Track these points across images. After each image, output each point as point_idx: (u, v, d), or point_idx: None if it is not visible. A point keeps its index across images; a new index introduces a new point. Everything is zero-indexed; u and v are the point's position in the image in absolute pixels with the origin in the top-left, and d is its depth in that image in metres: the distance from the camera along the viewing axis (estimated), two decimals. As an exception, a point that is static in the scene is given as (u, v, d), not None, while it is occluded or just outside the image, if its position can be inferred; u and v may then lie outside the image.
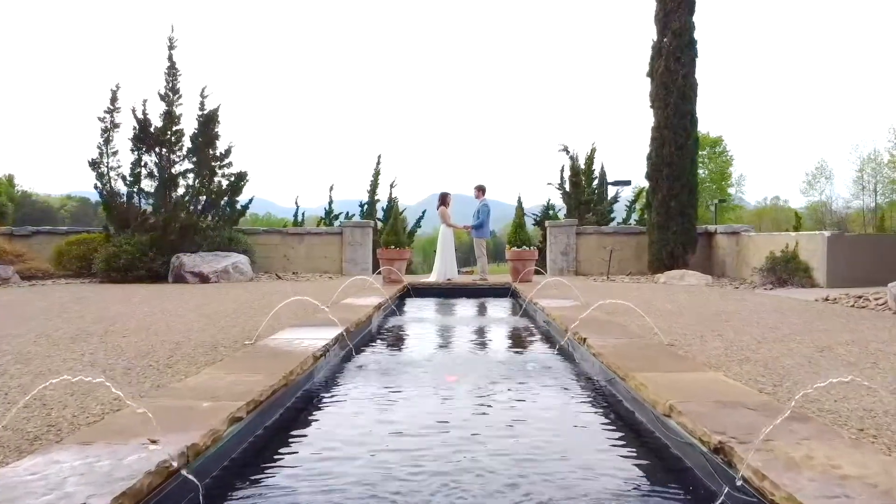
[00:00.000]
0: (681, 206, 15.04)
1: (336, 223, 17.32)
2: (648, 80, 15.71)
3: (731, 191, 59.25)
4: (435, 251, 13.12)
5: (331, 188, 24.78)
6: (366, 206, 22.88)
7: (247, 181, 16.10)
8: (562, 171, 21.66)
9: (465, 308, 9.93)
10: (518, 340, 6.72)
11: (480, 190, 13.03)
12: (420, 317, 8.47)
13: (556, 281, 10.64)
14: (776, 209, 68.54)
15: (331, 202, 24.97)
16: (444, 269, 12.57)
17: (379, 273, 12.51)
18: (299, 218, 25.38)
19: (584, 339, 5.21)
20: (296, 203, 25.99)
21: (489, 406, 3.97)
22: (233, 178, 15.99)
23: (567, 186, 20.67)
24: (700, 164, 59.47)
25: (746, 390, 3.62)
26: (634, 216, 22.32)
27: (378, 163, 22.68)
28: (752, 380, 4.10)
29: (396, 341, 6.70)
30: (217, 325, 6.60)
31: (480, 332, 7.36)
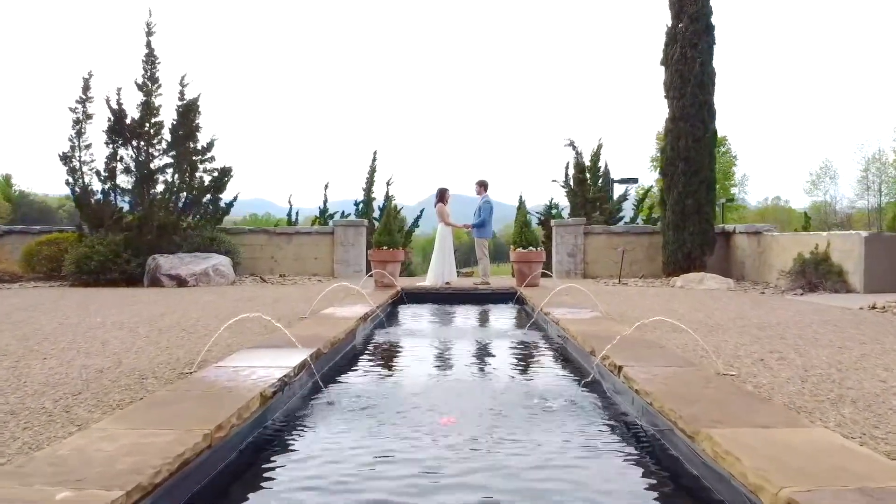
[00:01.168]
0: (698, 204, 13.84)
1: (331, 223, 16.11)
2: (662, 68, 14.51)
3: (734, 191, 58.10)
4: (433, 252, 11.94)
5: (326, 186, 23.61)
6: (361, 205, 21.70)
7: (231, 177, 14.90)
8: (566, 167, 20.50)
9: (465, 317, 8.73)
10: (530, 362, 5.52)
11: (482, 185, 11.84)
12: (413, 329, 7.28)
13: (568, 286, 9.44)
14: (778, 209, 67.26)
15: (326, 201, 23.81)
16: (441, 271, 11.38)
17: (371, 276, 11.31)
18: (293, 217, 24.27)
19: (620, 368, 4.02)
20: (289, 202, 24.88)
21: (498, 470, 2.77)
22: (216, 174, 14.80)
23: (572, 184, 19.51)
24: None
25: (883, 462, 2.42)
26: (641, 216, 21.15)
27: (374, 159, 21.50)
28: (869, 435, 2.90)
29: (382, 364, 5.49)
30: (162, 344, 5.40)
31: (484, 350, 6.15)
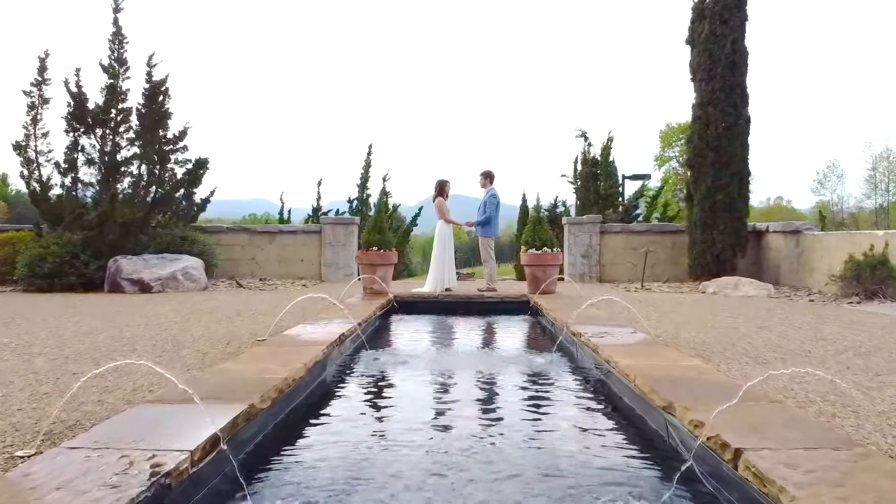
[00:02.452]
0: (729, 200, 12.16)
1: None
2: (688, 48, 12.84)
3: (740, 190, 56.44)
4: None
5: (319, 183, 21.96)
6: (355, 202, 20.06)
7: (207, 169, 13.21)
8: (575, 161, 18.83)
9: (470, 334, 7.05)
10: (569, 419, 3.77)
11: (487, 177, 10.16)
12: (402, 353, 5.57)
13: (600, 299, 7.75)
14: (782, 210, 65.45)
15: (319, 198, 22.13)
16: (441, 276, 9.70)
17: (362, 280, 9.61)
18: (286, 216, 22.64)
19: (759, 474, 2.32)
20: (281, 199, 23.25)
21: None
22: (190, 166, 13.12)
23: (582, 179, 17.82)
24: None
25: None
26: (655, 213, 19.47)
27: (369, 153, 19.85)
28: None
29: (353, 419, 3.79)
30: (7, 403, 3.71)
31: (497, 393, 4.44)
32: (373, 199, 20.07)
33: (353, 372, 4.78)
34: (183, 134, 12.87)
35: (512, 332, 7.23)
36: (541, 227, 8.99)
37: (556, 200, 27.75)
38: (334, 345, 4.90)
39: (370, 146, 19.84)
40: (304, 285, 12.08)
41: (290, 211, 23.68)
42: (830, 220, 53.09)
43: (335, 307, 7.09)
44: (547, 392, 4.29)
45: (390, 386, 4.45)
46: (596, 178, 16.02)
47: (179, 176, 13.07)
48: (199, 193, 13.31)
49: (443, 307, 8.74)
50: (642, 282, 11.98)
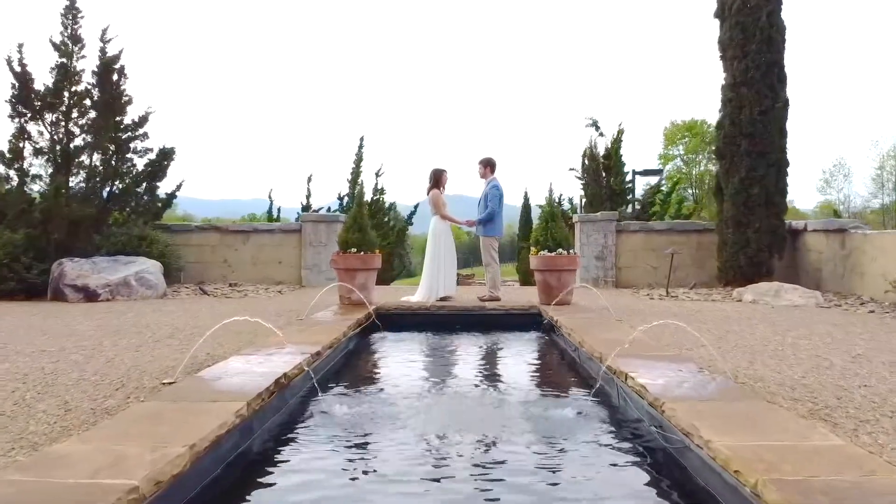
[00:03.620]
0: (766, 194, 10.51)
1: (298, 217, 12.77)
2: (717, 23, 11.20)
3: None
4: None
5: (309, 179, 20.36)
6: (346, 199, 18.42)
7: (172, 160, 11.59)
8: (584, 155, 17.18)
9: (467, 364, 5.38)
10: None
11: (487, 165, 8.53)
12: (371, 401, 3.90)
13: (608, 300, 6.13)
14: (794, 210, 63.66)
15: (309, 195, 20.51)
16: (435, 283, 8.07)
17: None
18: (274, 214, 21.05)
19: None
20: (270, 197, 21.67)
21: None
22: (153, 157, 11.49)
23: (592, 173, 16.17)
24: (713, 161, 55.08)
25: None
26: (669, 212, 17.81)
27: (360, 146, 18.19)
28: None
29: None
30: None
31: (519, 482, 2.80)
32: (366, 198, 18.47)
33: (287, 441, 3.13)
34: (143, 120, 11.23)
35: (523, 360, 5.58)
36: (555, 224, 7.32)
37: (559, 198, 26.11)
38: (265, 396, 3.27)
39: (361, 139, 18.20)
40: (280, 292, 10.45)
41: (279, 209, 22.13)
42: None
43: (310, 321, 5.49)
44: (587, 482, 2.64)
45: (341, 472, 2.80)
46: (608, 171, 14.35)
47: (140, 168, 11.46)
48: (165, 188, 11.72)
49: (436, 322, 7.10)
50: (667, 288, 10.34)
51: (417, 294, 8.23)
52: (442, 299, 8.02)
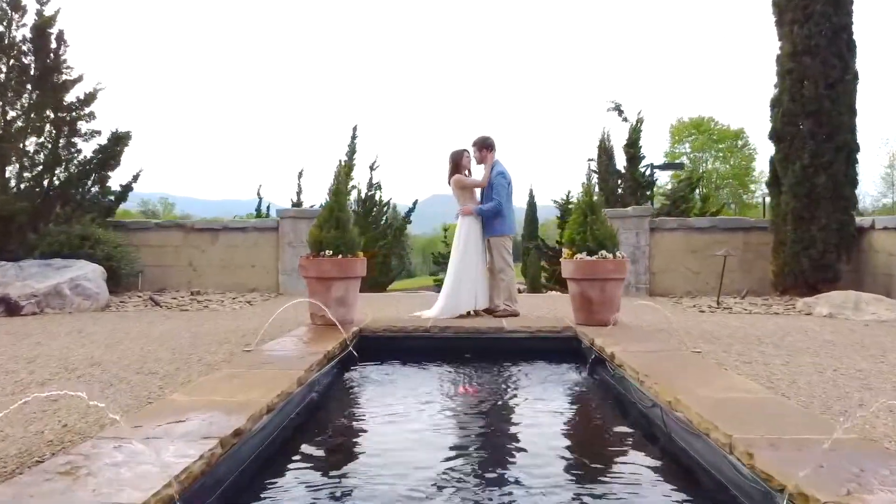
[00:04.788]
0: (834, 184, 8.65)
1: (274, 213, 10.87)
2: (769, -19, 9.35)
3: (752, 188, 52.62)
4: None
5: (300, 175, 18.59)
6: (337, 195, 16.55)
7: (126, 145, 9.74)
8: (602, 142, 15.31)
9: (475, 432, 3.43)
10: None
11: (484, 147, 6.63)
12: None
13: (642, 316, 4.26)
14: None
15: (300, 192, 18.75)
16: (463, 294, 6.24)
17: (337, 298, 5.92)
18: (263, 212, 19.27)
19: None
20: (258, 194, 19.89)
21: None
22: (104, 143, 9.63)
23: (604, 164, 14.30)
24: (719, 159, 53.30)
25: None
26: (694, 211, 15.93)
27: (354, 136, 16.36)
28: None
29: None
30: None
31: None
32: (357, 191, 16.60)
33: None
34: (90, 97, 9.37)
35: (564, 419, 3.69)
36: (595, 218, 5.41)
37: (568, 196, 24.24)
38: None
39: (355, 128, 16.36)
40: (250, 302, 8.58)
41: (268, 207, 20.32)
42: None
43: (257, 355, 3.63)
44: None
45: None
46: (632, 161, 12.47)
47: (89, 155, 9.61)
48: (120, 179, 9.87)
49: (438, 348, 5.22)
50: (718, 297, 8.45)
51: (434, 308, 6.35)
52: (472, 313, 6.21)
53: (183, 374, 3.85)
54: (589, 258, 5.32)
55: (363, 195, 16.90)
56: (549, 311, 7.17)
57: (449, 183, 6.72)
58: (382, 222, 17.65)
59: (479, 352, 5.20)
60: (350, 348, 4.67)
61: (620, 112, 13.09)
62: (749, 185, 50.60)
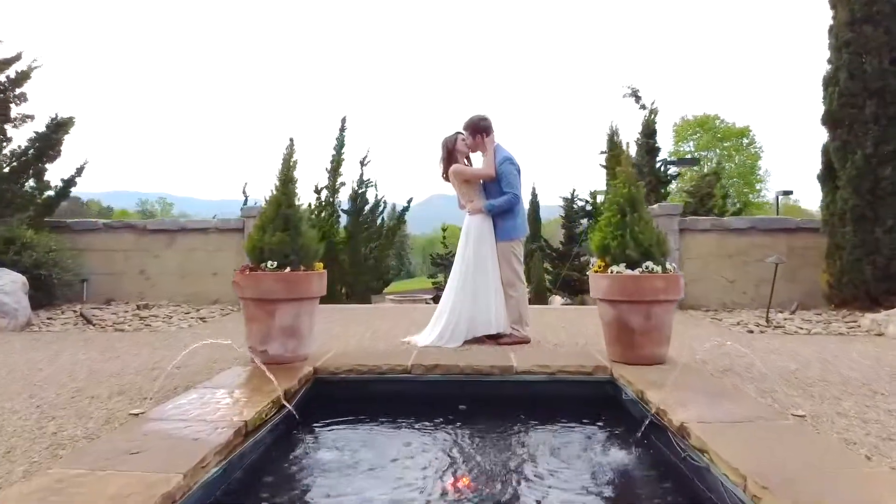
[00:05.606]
0: (903, 176, 7.18)
1: (239, 212, 9.38)
2: (820, -61, 7.87)
3: (758, 187, 51.00)
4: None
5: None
6: (324, 193, 15.11)
7: (67, 133, 8.28)
8: (611, 137, 13.85)
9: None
10: None
11: (480, 131, 5.18)
12: None
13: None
14: (791, 209, 59.98)
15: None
16: (459, 319, 4.85)
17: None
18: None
19: None
20: (244, 192, 18.41)
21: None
22: (42, 131, 8.17)
23: (613, 158, 12.83)
24: (725, 157, 51.69)
25: None
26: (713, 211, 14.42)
27: (343, 128, 14.87)
28: None
29: None
30: None
31: None
32: (346, 190, 15.12)
33: None
34: (23, 77, 7.90)
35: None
36: (638, 217, 3.90)
37: (572, 194, 22.79)
38: None
39: (343, 119, 14.87)
40: (203, 319, 7.10)
41: (256, 204, 18.87)
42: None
43: (141, 425, 2.14)
44: None
45: None
46: (651, 153, 10.99)
47: (24, 145, 8.14)
48: (60, 173, 8.42)
49: (421, 397, 3.76)
50: (768, 314, 6.95)
51: (431, 331, 4.91)
52: (489, 337, 4.80)
53: (3, 467, 2.39)
54: (630, 272, 3.84)
55: (354, 192, 15.41)
56: (569, 334, 5.68)
57: (445, 177, 5.27)
58: (378, 222, 16.16)
59: (479, 401, 3.74)
60: (290, 407, 3.18)
61: (638, 98, 11.62)
62: (755, 184, 49.04)
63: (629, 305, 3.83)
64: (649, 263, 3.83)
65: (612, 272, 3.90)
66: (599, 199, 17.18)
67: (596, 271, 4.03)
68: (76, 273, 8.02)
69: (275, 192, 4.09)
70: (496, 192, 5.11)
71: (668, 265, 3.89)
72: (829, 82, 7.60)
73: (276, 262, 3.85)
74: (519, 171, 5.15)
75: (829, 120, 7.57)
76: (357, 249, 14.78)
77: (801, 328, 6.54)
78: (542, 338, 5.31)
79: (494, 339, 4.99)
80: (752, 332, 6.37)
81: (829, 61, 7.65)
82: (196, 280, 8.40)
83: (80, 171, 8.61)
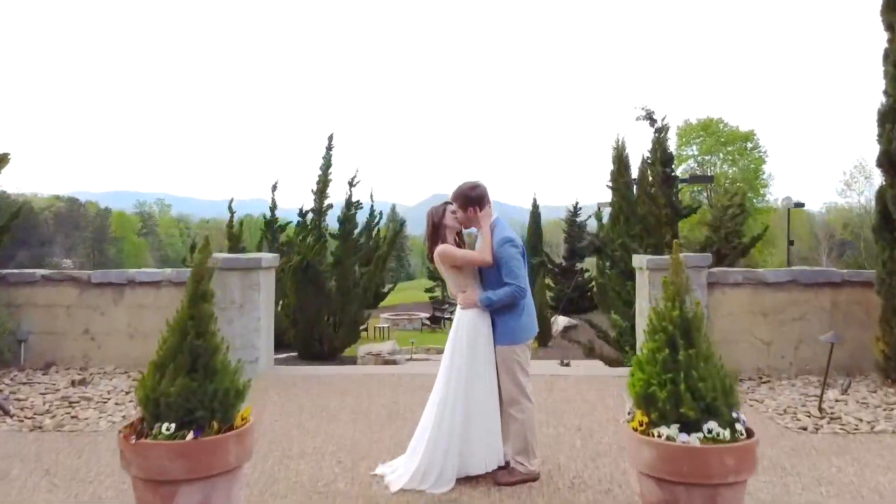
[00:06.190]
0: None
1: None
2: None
3: (763, 192, 49.70)
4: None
5: (273, 187, 16.01)
6: (310, 216, 13.96)
7: (6, 163, 7.11)
8: (618, 159, 12.63)
9: None
10: None
11: (474, 202, 4.00)
12: None
13: None
14: (798, 213, 58.59)
15: (273, 208, 16.18)
16: (462, 447, 3.77)
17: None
18: (236, 229, 16.69)
19: None
20: (230, 208, 17.35)
21: None
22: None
23: (625, 186, 11.67)
24: (728, 161, 50.38)
25: None
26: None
27: (329, 147, 13.70)
28: None
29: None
30: None
31: None
32: (334, 212, 13.94)
33: None
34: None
35: None
36: (696, 353, 2.68)
37: (575, 207, 21.52)
38: None
39: (330, 137, 13.68)
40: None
41: (242, 222, 17.72)
42: (860, 224, 46.44)
43: None
44: None
45: None
46: (668, 182, 9.82)
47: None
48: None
49: None
50: (821, 402, 5.77)
51: (408, 460, 3.77)
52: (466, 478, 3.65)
53: None
54: (685, 440, 2.68)
55: (343, 214, 14.23)
56: (586, 443, 4.46)
57: (430, 258, 4.11)
58: (370, 242, 14.99)
59: None
60: None
61: (653, 122, 10.43)
62: (759, 189, 47.76)
63: (686, 488, 2.66)
64: (713, 425, 2.67)
65: (657, 436, 2.73)
66: (606, 211, 15.98)
67: (635, 428, 2.86)
68: (12, 332, 6.92)
69: (179, 313, 2.92)
70: (495, 280, 3.93)
71: (738, 427, 2.72)
72: (886, 118, 6.42)
73: (173, 425, 2.67)
74: (524, 255, 3.98)
75: (886, 161, 6.39)
76: (345, 276, 13.62)
77: (864, 419, 5.40)
78: (552, 457, 4.15)
79: (493, 472, 3.83)
80: (805, 428, 5.23)
81: (886, 93, 6.46)
82: (146, 341, 7.22)
83: (16, 214, 7.42)
